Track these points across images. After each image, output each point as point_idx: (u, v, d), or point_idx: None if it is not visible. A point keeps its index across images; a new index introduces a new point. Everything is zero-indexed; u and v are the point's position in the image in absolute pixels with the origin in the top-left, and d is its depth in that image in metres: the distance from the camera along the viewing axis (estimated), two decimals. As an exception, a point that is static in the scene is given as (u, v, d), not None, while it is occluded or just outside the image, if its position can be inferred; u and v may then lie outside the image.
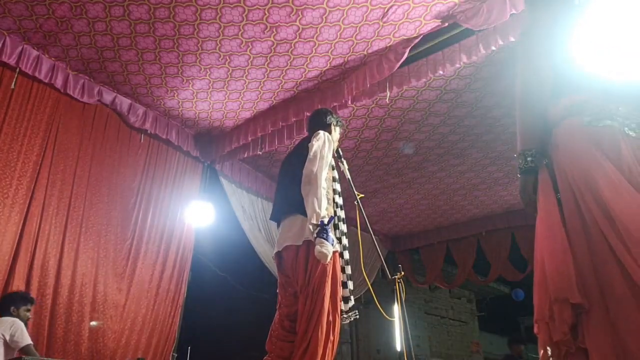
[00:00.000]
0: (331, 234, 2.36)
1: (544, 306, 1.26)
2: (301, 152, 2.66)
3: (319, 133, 2.69)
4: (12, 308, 3.16)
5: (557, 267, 1.27)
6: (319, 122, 2.91)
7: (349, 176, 2.94)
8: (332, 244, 2.34)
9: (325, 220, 2.36)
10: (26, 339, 3.03)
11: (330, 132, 2.83)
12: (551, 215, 1.35)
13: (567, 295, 1.19)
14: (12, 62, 3.68)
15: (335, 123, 2.94)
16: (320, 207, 2.38)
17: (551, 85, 1.44)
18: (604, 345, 1.15)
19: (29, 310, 3.28)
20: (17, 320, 3.09)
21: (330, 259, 2.35)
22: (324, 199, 2.46)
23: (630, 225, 1.15)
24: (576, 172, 1.30)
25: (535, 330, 1.30)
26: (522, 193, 1.48)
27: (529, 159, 1.43)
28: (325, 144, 2.63)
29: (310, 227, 2.37)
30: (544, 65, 1.44)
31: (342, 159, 2.97)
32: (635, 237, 1.13)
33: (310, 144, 2.61)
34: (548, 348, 1.24)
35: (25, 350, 2.99)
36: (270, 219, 2.87)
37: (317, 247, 2.30)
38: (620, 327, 1.14)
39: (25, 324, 3.19)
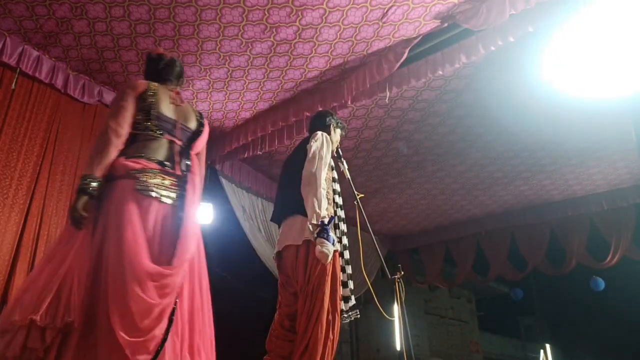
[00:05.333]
0: (332, 234, 2.37)
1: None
2: (300, 153, 2.68)
3: (317, 134, 2.72)
4: None
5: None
6: (319, 124, 2.95)
7: (349, 176, 2.96)
8: (333, 244, 2.36)
9: (326, 221, 2.38)
10: None
11: (329, 133, 2.86)
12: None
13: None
14: (12, 62, 3.68)
15: (335, 124, 2.97)
16: (320, 208, 2.40)
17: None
18: None
19: None
20: None
21: (331, 259, 2.37)
22: (324, 199, 2.48)
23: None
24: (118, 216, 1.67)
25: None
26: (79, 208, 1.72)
27: (93, 183, 1.71)
28: (323, 145, 2.65)
29: (310, 227, 2.38)
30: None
31: (342, 159, 2.98)
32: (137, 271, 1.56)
33: (308, 145, 2.64)
34: None
35: None
36: (271, 220, 2.89)
37: (318, 247, 2.31)
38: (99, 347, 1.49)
39: None
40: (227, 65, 4.02)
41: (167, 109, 2.00)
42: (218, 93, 4.41)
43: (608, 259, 6.61)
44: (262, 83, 4.27)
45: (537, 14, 3.29)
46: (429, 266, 8.27)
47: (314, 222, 2.37)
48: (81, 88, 4.16)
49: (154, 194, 1.75)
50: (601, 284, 9.35)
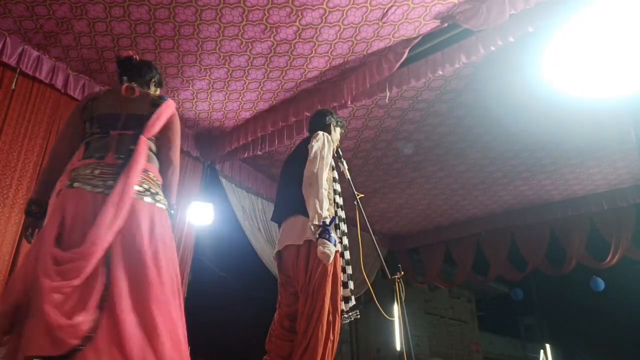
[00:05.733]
0: (333, 234, 2.37)
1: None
2: (301, 153, 2.67)
3: (318, 134, 2.70)
4: None
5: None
6: (319, 123, 2.93)
7: (349, 176, 2.95)
8: (334, 244, 2.35)
9: (327, 221, 2.37)
10: None
11: (330, 133, 2.84)
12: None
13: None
14: (12, 62, 3.68)
15: (335, 123, 2.96)
16: (321, 208, 2.39)
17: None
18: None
19: None
20: None
21: (332, 260, 2.36)
22: (326, 199, 2.47)
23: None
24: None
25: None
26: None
27: (32, 206, 1.97)
28: (324, 145, 2.63)
29: (312, 227, 2.38)
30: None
31: (342, 159, 2.97)
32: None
33: (310, 145, 2.62)
34: None
35: None
36: (271, 219, 2.88)
37: (320, 248, 2.30)
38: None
39: None
40: (227, 65, 4.02)
41: (111, 106, 2.04)
42: (218, 93, 4.41)
43: (608, 259, 6.62)
44: (262, 83, 4.27)
45: (537, 14, 3.29)
46: (429, 266, 8.28)
47: (316, 222, 2.37)
48: (81, 88, 4.16)
49: (76, 185, 1.85)
50: (601, 284, 9.35)
